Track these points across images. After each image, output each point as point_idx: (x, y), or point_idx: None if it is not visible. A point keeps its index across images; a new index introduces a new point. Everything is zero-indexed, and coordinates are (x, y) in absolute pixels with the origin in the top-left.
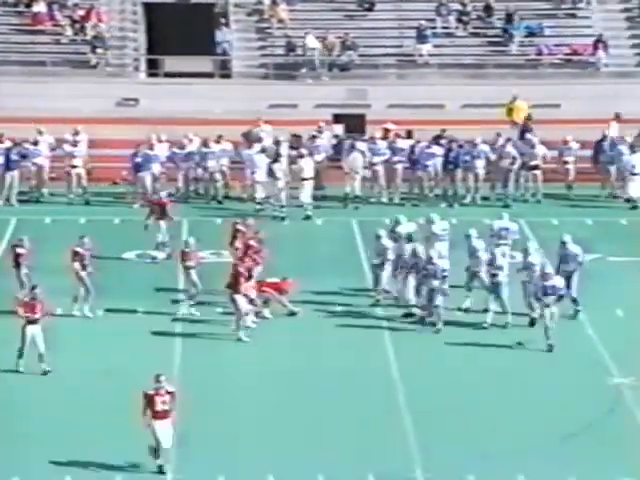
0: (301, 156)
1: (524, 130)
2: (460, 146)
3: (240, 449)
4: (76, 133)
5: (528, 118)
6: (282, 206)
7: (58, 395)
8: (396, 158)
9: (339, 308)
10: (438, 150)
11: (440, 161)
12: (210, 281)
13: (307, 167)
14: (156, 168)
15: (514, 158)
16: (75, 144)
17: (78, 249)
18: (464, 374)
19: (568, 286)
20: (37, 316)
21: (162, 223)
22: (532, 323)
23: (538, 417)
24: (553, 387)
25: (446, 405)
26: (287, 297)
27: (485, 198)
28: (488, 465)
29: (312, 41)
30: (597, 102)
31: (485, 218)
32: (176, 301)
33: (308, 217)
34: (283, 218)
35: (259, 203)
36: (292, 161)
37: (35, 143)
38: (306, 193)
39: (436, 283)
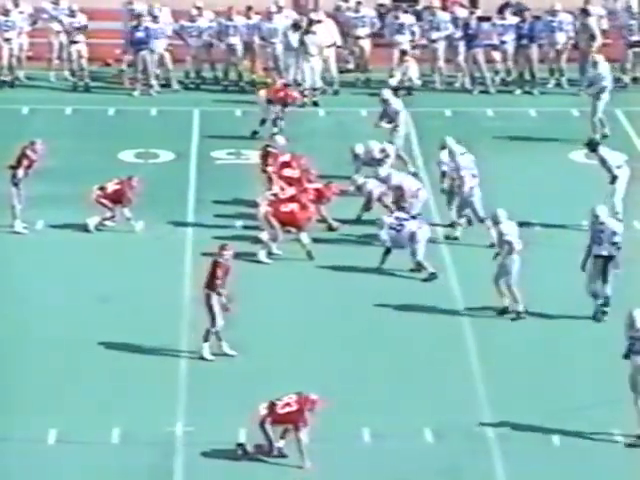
0: (319, 21)
1: None
2: (536, 17)
3: (263, 390)
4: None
5: None
6: (315, 89)
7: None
8: (458, 33)
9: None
10: (510, 21)
11: (512, 36)
12: (229, 186)
13: (330, 32)
14: (160, 45)
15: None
16: (73, 14)
17: (29, 153)
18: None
19: None
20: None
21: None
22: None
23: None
24: None
25: (521, 355)
26: (327, 206)
27: (573, 82)
28: (574, 422)
29: None
30: None
31: (573, 108)
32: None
33: (336, 92)
34: (316, 103)
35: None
36: (306, 30)
37: (6, 14)
38: (331, 65)
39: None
